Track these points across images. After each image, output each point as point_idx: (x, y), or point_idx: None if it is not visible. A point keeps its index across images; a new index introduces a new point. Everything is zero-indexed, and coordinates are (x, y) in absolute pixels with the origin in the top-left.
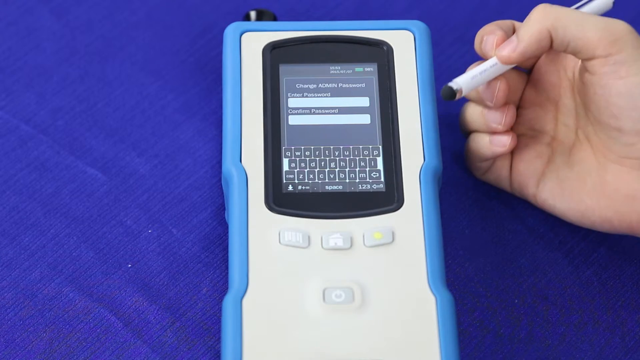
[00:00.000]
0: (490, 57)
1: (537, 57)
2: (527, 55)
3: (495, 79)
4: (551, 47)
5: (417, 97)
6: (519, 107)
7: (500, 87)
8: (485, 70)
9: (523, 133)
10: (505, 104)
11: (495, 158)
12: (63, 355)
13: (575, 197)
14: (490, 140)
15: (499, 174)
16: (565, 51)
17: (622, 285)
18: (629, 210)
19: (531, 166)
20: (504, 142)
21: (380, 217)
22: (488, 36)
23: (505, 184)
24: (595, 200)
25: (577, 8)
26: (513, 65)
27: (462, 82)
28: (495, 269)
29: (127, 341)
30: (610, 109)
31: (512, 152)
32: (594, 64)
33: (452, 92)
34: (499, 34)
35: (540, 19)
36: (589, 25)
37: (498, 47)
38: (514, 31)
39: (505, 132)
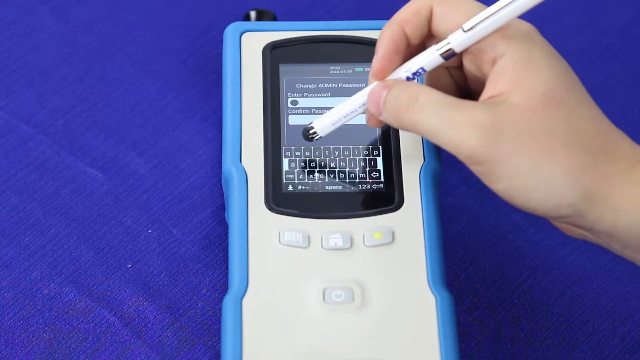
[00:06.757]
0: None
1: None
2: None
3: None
4: None
5: None
6: None
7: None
8: (352, 112)
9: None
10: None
11: None
12: (63, 355)
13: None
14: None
15: None
16: None
17: (622, 285)
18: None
19: None
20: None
21: (380, 217)
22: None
23: None
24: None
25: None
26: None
27: (319, 126)
28: (495, 269)
29: (127, 341)
30: None
31: None
32: None
33: (309, 136)
34: (377, 62)
35: (398, 119)
36: (445, 137)
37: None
38: (430, 17)
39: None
